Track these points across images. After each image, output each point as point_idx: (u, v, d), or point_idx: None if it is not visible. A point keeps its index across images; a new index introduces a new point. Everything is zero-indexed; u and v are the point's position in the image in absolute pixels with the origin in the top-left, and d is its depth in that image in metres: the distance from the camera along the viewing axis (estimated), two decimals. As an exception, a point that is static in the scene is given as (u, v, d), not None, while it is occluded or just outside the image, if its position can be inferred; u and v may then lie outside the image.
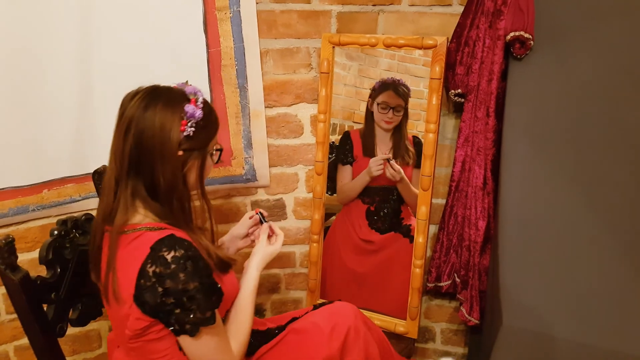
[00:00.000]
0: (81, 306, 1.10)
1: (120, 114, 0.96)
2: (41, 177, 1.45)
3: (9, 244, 0.94)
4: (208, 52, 1.45)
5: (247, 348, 1.07)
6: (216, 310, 0.95)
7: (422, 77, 1.49)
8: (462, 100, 1.42)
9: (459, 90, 1.41)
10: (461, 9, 1.37)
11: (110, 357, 1.12)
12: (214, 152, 1.04)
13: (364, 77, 1.63)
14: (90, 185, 1.50)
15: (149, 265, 0.87)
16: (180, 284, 0.87)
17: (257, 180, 1.62)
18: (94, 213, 1.18)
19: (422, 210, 1.47)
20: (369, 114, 1.57)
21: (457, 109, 1.49)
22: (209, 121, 0.99)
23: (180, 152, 0.94)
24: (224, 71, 1.48)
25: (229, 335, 1.02)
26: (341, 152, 1.61)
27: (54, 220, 1.47)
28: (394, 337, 1.56)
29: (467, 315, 1.52)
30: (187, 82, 1.02)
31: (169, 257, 0.87)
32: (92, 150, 1.47)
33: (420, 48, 1.40)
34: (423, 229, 1.48)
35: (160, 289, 0.87)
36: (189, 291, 0.88)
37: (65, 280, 1.06)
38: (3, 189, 1.41)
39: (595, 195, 1.26)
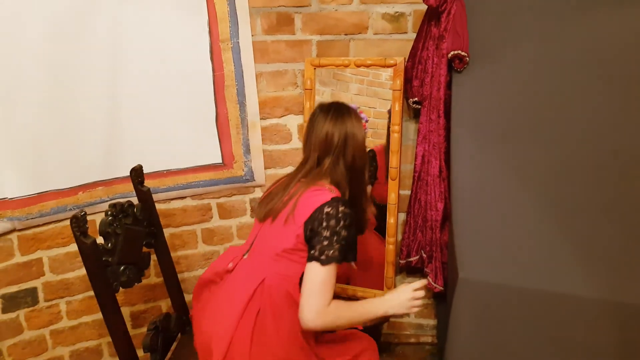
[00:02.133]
0: (128, 272, 1.41)
1: (317, 122, 1.40)
2: (77, 181, 1.76)
3: (83, 217, 1.25)
4: (214, 76, 1.81)
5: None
6: (338, 265, 1.26)
7: (389, 100, 1.85)
8: (419, 106, 1.80)
9: (416, 99, 1.79)
10: (414, 35, 1.77)
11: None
12: None
13: None
14: (117, 187, 1.83)
15: (326, 207, 1.26)
16: (338, 227, 1.24)
17: (254, 180, 1.96)
18: (134, 200, 1.51)
19: (392, 196, 1.83)
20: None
21: (416, 115, 1.88)
22: None
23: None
24: (227, 90, 1.84)
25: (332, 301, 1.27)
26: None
27: (88, 218, 1.79)
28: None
29: (433, 283, 1.86)
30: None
31: (340, 208, 1.27)
32: (118, 159, 1.79)
33: (383, 66, 1.79)
34: (393, 212, 1.84)
35: (324, 224, 1.24)
36: (340, 235, 1.25)
37: (116, 249, 1.37)
38: (47, 191, 1.71)
39: (524, 174, 1.63)
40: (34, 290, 1.79)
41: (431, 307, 2.12)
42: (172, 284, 1.67)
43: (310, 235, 1.26)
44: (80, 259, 1.79)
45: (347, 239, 1.27)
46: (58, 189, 1.73)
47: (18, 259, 1.74)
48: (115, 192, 1.83)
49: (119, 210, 1.43)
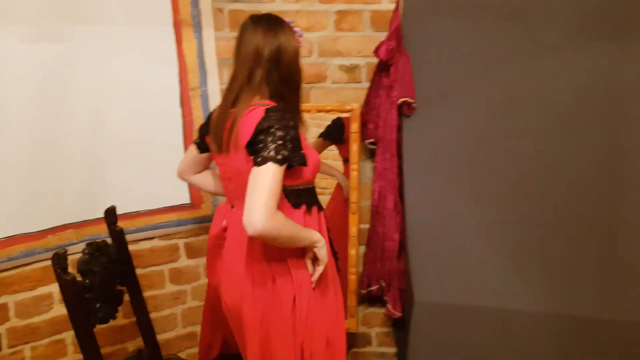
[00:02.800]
0: (104, 308, 1.46)
1: (246, 34, 1.35)
2: (47, 224, 1.80)
3: (64, 254, 1.32)
4: (183, 121, 1.93)
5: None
6: (285, 169, 1.22)
7: None
8: (374, 147, 1.99)
9: (372, 140, 1.98)
10: (368, 84, 1.97)
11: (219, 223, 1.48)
12: None
13: None
14: (86, 229, 1.87)
15: (263, 121, 1.23)
16: (272, 129, 1.21)
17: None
18: (108, 241, 1.58)
19: (353, 229, 1.98)
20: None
21: (372, 155, 2.06)
22: None
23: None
24: (195, 134, 1.96)
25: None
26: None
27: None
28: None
29: (392, 310, 2.00)
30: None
31: (272, 114, 1.24)
32: (88, 201, 1.85)
33: (342, 112, 1.98)
34: (354, 244, 1.99)
35: (261, 135, 1.22)
36: (275, 135, 1.21)
37: (94, 286, 1.42)
38: (16, 235, 1.74)
39: (470, 205, 1.83)
40: (-4, 337, 1.78)
41: (391, 335, 2.24)
42: (144, 322, 1.71)
43: (252, 146, 1.25)
44: (47, 302, 1.84)
45: (283, 137, 1.22)
46: (27, 232, 1.76)
47: (-18, 304, 1.74)
48: (84, 234, 1.87)
49: (95, 249, 1.49)
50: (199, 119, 1.95)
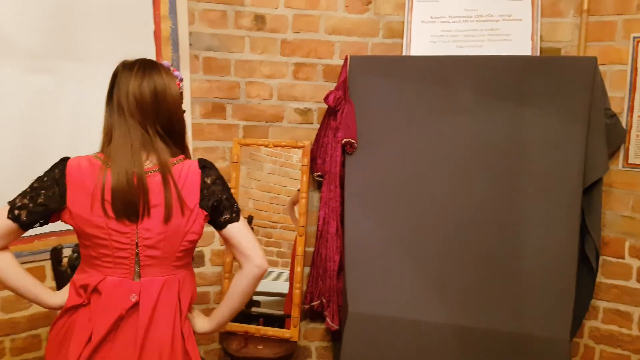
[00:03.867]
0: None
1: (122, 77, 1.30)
2: (33, 231, 2.11)
3: (60, 249, 1.65)
4: (158, 148, 2.28)
5: None
6: None
7: (298, 179, 2.35)
8: (321, 179, 2.34)
9: (319, 173, 2.34)
10: (318, 125, 2.35)
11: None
12: None
13: (251, 179, 2.42)
14: (67, 237, 2.18)
15: (205, 179, 1.28)
16: (225, 183, 1.33)
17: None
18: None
19: (299, 249, 2.32)
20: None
21: (319, 187, 2.41)
22: None
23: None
24: (168, 161, 2.30)
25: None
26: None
27: (39, 264, 2.13)
28: (282, 341, 2.31)
29: (330, 323, 2.32)
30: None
31: (212, 171, 1.32)
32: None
33: (295, 147, 2.34)
34: (300, 262, 2.32)
35: (217, 191, 1.29)
36: (229, 190, 1.34)
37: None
38: (5, 237, 2.05)
39: (397, 232, 2.17)
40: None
41: (330, 349, 2.54)
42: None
43: (212, 206, 1.29)
44: (27, 300, 2.13)
45: (229, 187, 1.37)
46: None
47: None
48: (66, 241, 2.17)
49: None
50: (172, 148, 2.30)
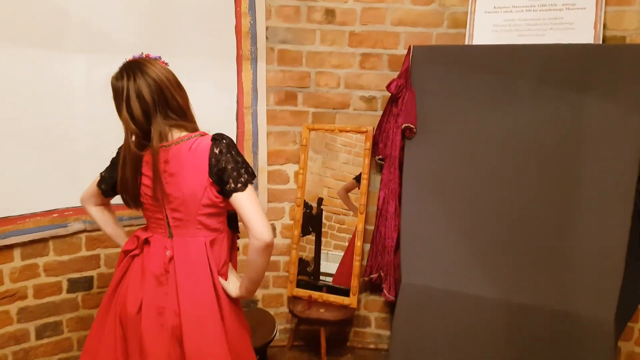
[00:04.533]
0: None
1: (126, 86, 1.43)
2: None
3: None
4: (237, 132, 2.58)
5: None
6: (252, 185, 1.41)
7: None
8: (382, 162, 2.53)
9: (381, 156, 2.53)
10: (381, 112, 2.53)
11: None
12: None
13: (327, 168, 2.65)
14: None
15: (214, 149, 1.41)
16: (235, 155, 1.42)
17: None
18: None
19: (360, 226, 2.53)
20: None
21: (379, 169, 2.60)
22: None
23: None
24: (245, 143, 2.60)
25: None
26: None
27: (134, 228, 2.50)
28: (342, 307, 2.55)
29: (387, 294, 2.52)
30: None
31: (224, 142, 1.43)
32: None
33: (358, 132, 2.54)
34: (360, 237, 2.54)
35: (223, 160, 1.40)
36: (239, 160, 1.42)
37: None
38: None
39: (451, 212, 2.31)
40: (91, 279, 2.48)
41: (388, 320, 2.74)
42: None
43: (220, 176, 1.41)
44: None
45: (244, 162, 1.44)
46: (119, 203, 2.44)
47: (83, 253, 2.44)
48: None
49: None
50: (248, 132, 2.59)
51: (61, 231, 2.36)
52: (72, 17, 2.24)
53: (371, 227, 2.62)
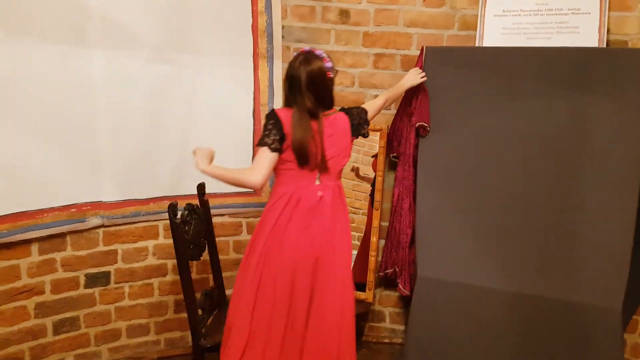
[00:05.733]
0: (194, 249, 2.18)
1: (299, 72, 1.91)
2: (150, 194, 2.56)
3: (176, 205, 2.03)
4: (254, 128, 2.68)
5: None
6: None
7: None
8: (397, 160, 2.66)
9: (395, 154, 2.66)
10: (395, 111, 2.67)
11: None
12: None
13: None
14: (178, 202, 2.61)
15: (348, 114, 2.06)
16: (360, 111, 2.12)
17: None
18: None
19: (375, 222, 2.65)
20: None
21: (393, 167, 2.73)
22: None
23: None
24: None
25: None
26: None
27: (154, 223, 2.57)
28: (358, 302, 2.65)
29: (402, 289, 2.64)
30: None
31: (354, 109, 2.10)
32: (180, 181, 2.60)
33: (373, 130, 2.67)
34: (375, 233, 2.66)
35: (356, 117, 2.07)
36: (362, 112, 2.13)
37: (190, 231, 2.14)
38: (129, 199, 2.50)
39: (464, 208, 2.46)
40: (108, 274, 2.53)
41: (402, 315, 2.86)
42: (216, 267, 2.42)
43: (357, 129, 2.10)
44: (144, 253, 2.58)
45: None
46: (137, 198, 2.52)
47: (101, 248, 2.49)
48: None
49: (191, 209, 2.22)
50: (265, 128, 2.68)
51: (79, 226, 2.41)
52: (94, 13, 2.30)
53: (386, 224, 2.74)
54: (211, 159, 1.95)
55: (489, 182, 2.42)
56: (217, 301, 2.38)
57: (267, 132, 1.91)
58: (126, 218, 2.52)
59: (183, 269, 2.07)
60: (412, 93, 2.52)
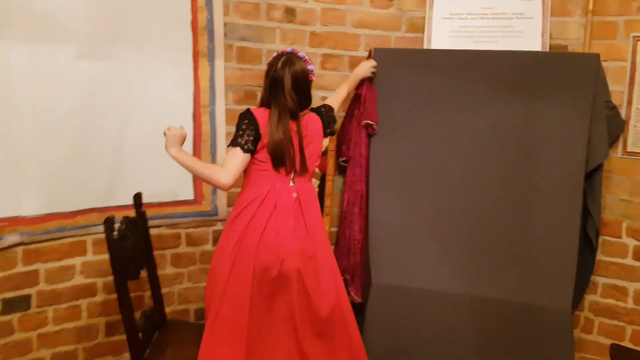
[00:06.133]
0: (133, 267, 1.97)
1: (282, 73, 1.92)
2: (77, 206, 2.30)
3: (112, 219, 1.82)
4: (194, 132, 2.49)
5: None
6: None
7: None
8: (346, 164, 2.58)
9: (344, 158, 2.58)
10: (344, 114, 2.59)
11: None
12: None
13: None
14: (107, 214, 2.37)
15: (319, 114, 2.06)
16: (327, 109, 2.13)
17: (218, 215, 2.59)
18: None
19: (325, 228, 2.55)
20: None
21: (343, 172, 2.65)
22: None
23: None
24: (203, 144, 2.51)
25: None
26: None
27: (81, 239, 2.32)
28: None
29: (354, 296, 2.56)
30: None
31: (321, 108, 2.10)
32: (112, 191, 2.36)
33: (322, 134, 2.58)
34: (326, 240, 2.56)
35: (326, 116, 2.11)
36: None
37: (128, 248, 1.93)
38: (53, 213, 2.23)
39: (417, 210, 2.43)
40: (28, 297, 2.23)
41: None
42: (155, 286, 2.22)
43: (329, 126, 2.13)
44: (70, 272, 2.33)
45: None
46: (62, 211, 2.26)
47: (19, 268, 2.20)
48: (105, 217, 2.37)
49: (128, 223, 2.01)
50: (206, 132, 2.51)
51: (-6, 244, 2.11)
52: (16, 2, 2.03)
53: (335, 229, 2.65)
54: (182, 143, 1.94)
55: (441, 185, 2.41)
56: (158, 322, 2.18)
57: (240, 132, 1.88)
58: (50, 234, 2.24)
59: (121, 291, 1.86)
60: (359, 95, 2.46)
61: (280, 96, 1.91)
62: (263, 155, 1.91)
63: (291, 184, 1.97)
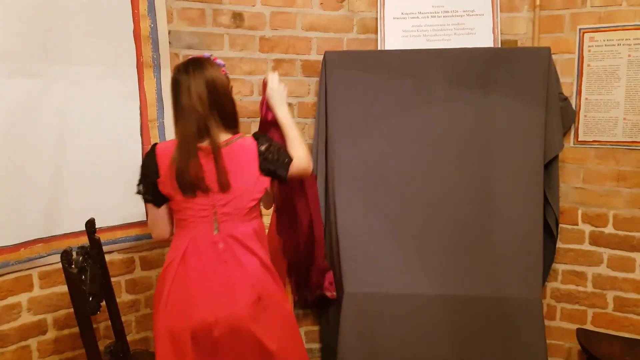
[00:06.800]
0: (93, 301, 1.83)
1: (181, 79, 1.64)
2: (20, 238, 2.12)
3: (71, 251, 1.69)
4: (142, 147, 2.36)
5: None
6: None
7: None
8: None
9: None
10: (299, 120, 2.54)
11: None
12: None
13: None
14: (54, 244, 2.21)
15: (259, 146, 1.67)
16: (276, 146, 1.72)
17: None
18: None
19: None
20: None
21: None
22: None
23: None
24: (154, 160, 2.39)
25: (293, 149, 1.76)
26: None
27: (26, 273, 2.15)
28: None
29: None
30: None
31: (264, 138, 1.71)
32: (56, 219, 2.19)
33: (279, 142, 2.52)
34: (292, 252, 2.50)
35: (269, 153, 1.67)
36: (280, 148, 1.73)
37: (87, 281, 1.80)
38: (-9, 247, 2.05)
39: (383, 214, 2.43)
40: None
41: (316, 333, 2.75)
42: (116, 319, 2.08)
43: (269, 167, 1.68)
44: (16, 311, 2.15)
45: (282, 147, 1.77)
46: (3, 245, 2.07)
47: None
48: (52, 248, 2.20)
49: (85, 253, 1.87)
50: (157, 147, 2.38)
51: None
52: None
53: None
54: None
55: (405, 187, 2.43)
56: (123, 356, 2.05)
57: (139, 178, 1.76)
58: (-11, 271, 2.05)
59: (85, 327, 1.74)
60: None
61: (183, 108, 1.64)
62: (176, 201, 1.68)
63: (215, 232, 1.67)
